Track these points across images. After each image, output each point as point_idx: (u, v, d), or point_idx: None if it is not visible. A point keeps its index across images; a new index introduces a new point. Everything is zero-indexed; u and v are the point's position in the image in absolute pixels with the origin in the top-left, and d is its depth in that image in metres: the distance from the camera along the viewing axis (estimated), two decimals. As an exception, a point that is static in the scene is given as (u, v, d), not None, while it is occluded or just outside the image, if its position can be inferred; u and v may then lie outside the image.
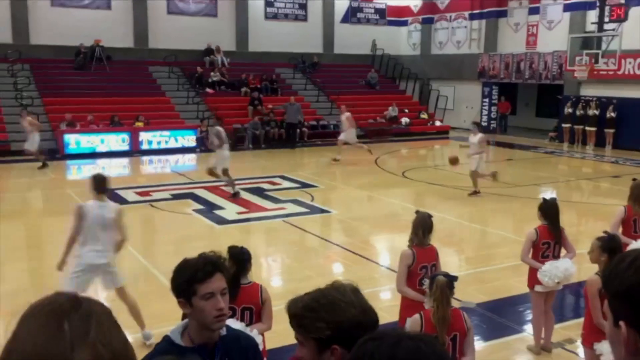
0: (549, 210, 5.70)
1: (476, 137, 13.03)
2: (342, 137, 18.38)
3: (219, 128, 13.21)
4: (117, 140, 19.68)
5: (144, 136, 20.06)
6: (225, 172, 12.77)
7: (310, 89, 26.13)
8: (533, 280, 5.75)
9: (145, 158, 19.39)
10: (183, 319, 2.81)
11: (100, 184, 6.10)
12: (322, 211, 12.26)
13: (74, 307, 1.10)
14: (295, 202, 12.65)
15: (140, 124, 20.39)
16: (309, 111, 24.28)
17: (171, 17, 25.47)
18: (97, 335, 1.07)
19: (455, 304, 4.24)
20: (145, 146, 19.98)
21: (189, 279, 2.40)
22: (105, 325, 1.11)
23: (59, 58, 22.80)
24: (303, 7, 28.40)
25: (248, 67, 25.66)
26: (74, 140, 19.06)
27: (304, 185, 14.32)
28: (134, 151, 19.60)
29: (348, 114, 18.16)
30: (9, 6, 22.28)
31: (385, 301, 7.21)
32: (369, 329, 1.68)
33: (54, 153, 18.60)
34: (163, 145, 20.22)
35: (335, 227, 11.59)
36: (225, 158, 12.77)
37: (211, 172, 13.01)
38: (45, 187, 15.17)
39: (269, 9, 27.66)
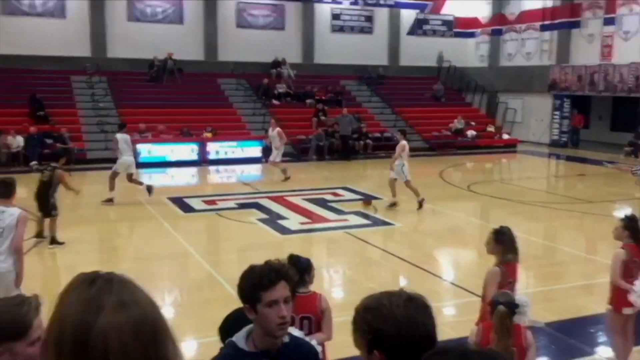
0: (636, 228, 5.30)
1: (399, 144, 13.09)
2: (273, 157, 17.12)
3: (125, 135, 13.84)
4: (186, 150, 20.26)
5: (212, 146, 20.57)
6: (130, 177, 13.57)
7: (375, 101, 26.11)
8: (621, 302, 5.30)
9: (213, 168, 19.87)
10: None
11: (5, 188, 5.87)
12: (385, 223, 12.18)
13: (95, 278, 1.31)
14: (358, 214, 12.63)
15: (208, 135, 20.94)
16: (374, 123, 24.25)
17: (240, 31, 26.09)
18: (120, 296, 1.26)
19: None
20: (213, 156, 20.48)
21: (254, 285, 2.44)
22: (126, 285, 1.30)
23: (134, 70, 23.75)
24: (369, 19, 28.49)
25: (313, 79, 25.93)
26: (147, 150, 19.76)
27: (367, 197, 14.28)
28: (203, 161, 20.11)
29: (279, 129, 17.08)
30: (89, 22, 23.44)
31: (449, 317, 7.07)
32: (417, 343, 1.65)
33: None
34: (230, 156, 20.66)
35: (398, 240, 11.49)
36: (129, 164, 13.63)
37: (130, 179, 13.74)
38: (118, 195, 15.77)
39: (334, 22, 27.89)
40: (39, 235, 9.97)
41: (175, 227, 11.40)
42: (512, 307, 3.65)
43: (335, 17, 27.87)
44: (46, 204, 9.78)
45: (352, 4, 27.79)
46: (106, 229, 11.90)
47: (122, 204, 13.88)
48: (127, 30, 24.12)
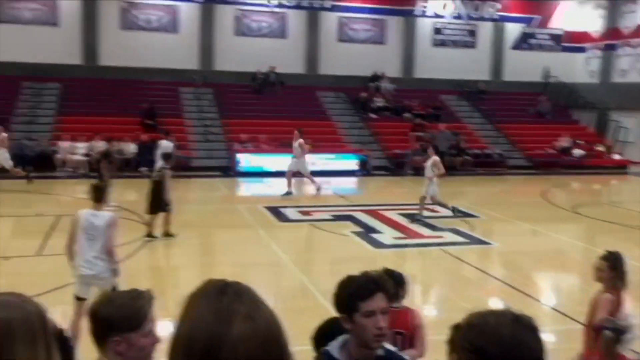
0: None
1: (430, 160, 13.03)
2: (292, 167, 16.39)
3: None
4: (285, 162, 20.66)
5: (309, 158, 20.85)
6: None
7: (475, 117, 25.51)
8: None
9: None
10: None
11: (97, 193, 6.13)
12: (482, 242, 11.82)
13: (225, 287, 1.34)
14: (454, 231, 12.34)
15: (307, 147, 21.24)
16: (473, 139, 23.68)
17: (341, 45, 26.42)
18: (249, 307, 1.29)
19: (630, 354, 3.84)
20: (311, 167, 20.74)
21: (351, 295, 2.45)
22: (254, 300, 1.33)
23: (238, 83, 24.65)
24: (472, 33, 27.94)
25: (412, 94, 25.74)
26: (246, 159, 20.39)
27: (464, 215, 13.93)
28: (300, 172, 20.43)
29: (301, 140, 16.40)
30: (198, 36, 24.64)
31: (549, 344, 6.72)
32: None
33: (228, 170, 20.04)
34: (327, 168, 20.87)
35: (496, 260, 11.11)
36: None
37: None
38: (218, 202, 16.40)
39: (436, 36, 27.59)
40: (150, 235, 10.63)
41: (271, 235, 11.66)
42: (620, 333, 3.42)
43: (437, 31, 27.57)
44: (159, 202, 10.62)
45: (455, 18, 27.40)
46: (206, 233, 12.37)
47: (221, 211, 14.41)
48: (233, 44, 25.11)
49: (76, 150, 19.11)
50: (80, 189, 16.42)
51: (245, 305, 1.30)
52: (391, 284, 2.65)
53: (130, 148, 19.63)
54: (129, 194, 16.06)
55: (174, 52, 24.30)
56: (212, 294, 1.33)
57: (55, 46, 22.98)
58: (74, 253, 6.02)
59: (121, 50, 23.67)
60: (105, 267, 5.96)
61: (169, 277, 9.04)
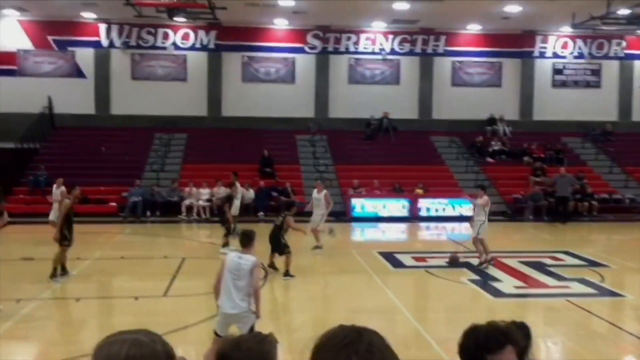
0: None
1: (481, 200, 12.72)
2: (315, 224, 14.85)
3: None
4: (397, 207, 20.60)
5: (423, 203, 20.64)
6: None
7: (601, 160, 24.05)
8: None
9: (424, 224, 19.86)
10: None
11: (245, 239, 6.61)
12: (614, 294, 10.95)
13: (357, 338, 1.30)
14: (581, 281, 11.55)
15: (420, 192, 21.07)
16: (600, 183, 22.29)
17: (455, 89, 26.18)
18: (381, 357, 1.25)
19: None
20: (424, 213, 20.51)
21: (478, 346, 2.31)
22: (385, 354, 1.30)
23: (351, 129, 25.08)
24: (596, 73, 26.62)
25: (531, 136, 24.83)
26: (360, 205, 20.51)
27: (592, 264, 13.03)
28: (414, 217, 20.23)
29: (326, 192, 15.43)
30: (314, 85, 25.48)
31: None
32: None
33: (342, 215, 20.23)
34: (441, 213, 20.49)
35: (630, 314, 10.20)
36: None
37: None
38: (332, 246, 16.52)
39: (557, 77, 26.57)
40: (271, 265, 11.85)
41: (384, 281, 11.54)
42: None
43: (558, 71, 26.56)
44: (278, 244, 11.74)
45: (576, 57, 26.31)
46: (320, 278, 12.46)
47: (334, 256, 14.50)
48: (347, 92, 25.69)
49: (200, 196, 20.20)
50: (203, 233, 17.33)
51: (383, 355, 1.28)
52: (521, 336, 2.48)
53: (250, 194, 20.44)
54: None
55: (291, 101, 25.27)
56: (345, 349, 1.29)
57: (184, 99, 24.75)
58: (219, 292, 6.45)
59: (242, 101, 25.02)
60: (246, 308, 6.34)
61: (284, 320, 9.17)
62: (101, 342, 1.65)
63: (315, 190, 15.51)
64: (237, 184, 17.28)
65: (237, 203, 16.40)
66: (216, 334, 6.43)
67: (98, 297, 10.97)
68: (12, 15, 23.69)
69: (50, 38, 24.21)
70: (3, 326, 8.51)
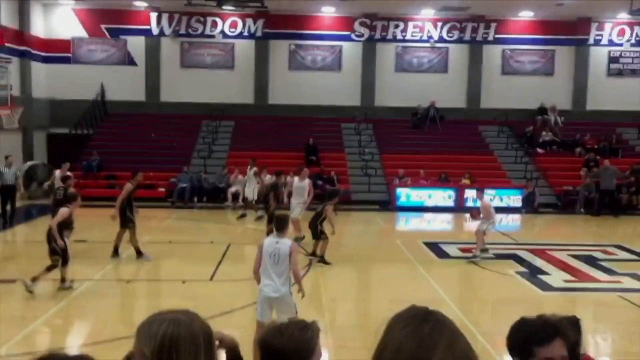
0: None
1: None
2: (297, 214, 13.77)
3: None
4: (443, 196, 20.35)
5: (469, 193, 20.30)
6: None
7: (659, 151, 23.18)
8: None
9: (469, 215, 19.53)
10: None
11: (280, 223, 6.68)
12: (669, 290, 10.56)
13: (427, 315, 1.39)
14: (634, 276, 11.18)
15: (466, 182, 20.76)
16: (657, 176, 21.46)
17: (505, 77, 25.60)
18: (449, 337, 1.33)
19: None
20: (470, 203, 20.16)
21: (527, 339, 2.26)
22: (453, 330, 1.37)
23: (397, 118, 24.86)
24: (655, 60, 25.58)
25: (584, 127, 24.09)
26: (405, 194, 20.35)
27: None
28: (459, 208, 19.96)
29: (310, 181, 14.66)
30: (361, 73, 25.33)
31: None
32: None
33: (387, 205, 20.13)
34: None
35: (686, 312, 9.83)
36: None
37: None
38: (376, 235, 16.49)
39: (612, 65, 25.65)
40: (312, 254, 11.96)
41: (429, 272, 11.44)
42: None
43: (613, 60, 25.63)
44: (315, 230, 11.81)
45: (633, 45, 25.34)
46: (364, 267, 12.45)
47: (379, 245, 14.45)
48: (394, 80, 25.45)
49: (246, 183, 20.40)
50: (249, 220, 17.53)
51: (445, 335, 1.34)
52: (572, 330, 2.41)
53: (295, 182, 20.51)
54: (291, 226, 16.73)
55: (337, 89, 25.19)
56: (415, 322, 1.38)
57: (231, 87, 25.00)
58: (259, 277, 6.57)
59: (288, 89, 25.09)
60: (287, 292, 6.46)
61: (326, 308, 9.20)
62: (143, 321, 1.73)
63: (296, 178, 14.75)
64: (251, 170, 17.63)
65: (253, 188, 16.89)
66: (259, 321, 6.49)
67: (147, 279, 11.25)
68: (68, 4, 24.36)
69: (103, 26, 24.79)
70: (57, 305, 8.83)
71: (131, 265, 11.56)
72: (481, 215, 12.69)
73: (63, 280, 9.43)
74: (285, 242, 6.50)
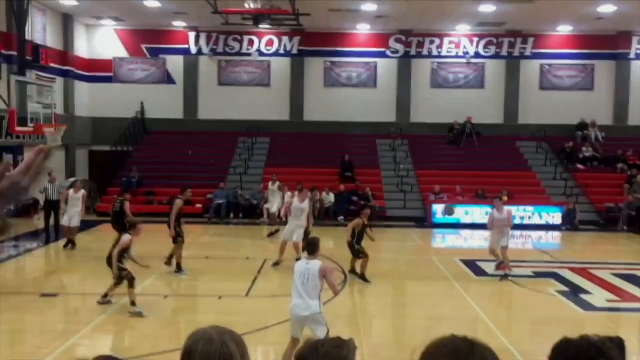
0: None
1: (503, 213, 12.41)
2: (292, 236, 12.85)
3: None
4: (480, 213, 20.05)
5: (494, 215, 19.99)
6: None
7: None
8: None
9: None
10: None
11: (310, 247, 7.05)
12: None
13: (470, 351, 1.25)
14: (681, 297, 10.81)
15: (504, 198, 20.42)
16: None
17: (542, 93, 25.25)
18: None
19: None
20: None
21: None
22: None
23: (433, 134, 24.72)
24: (700, 74, 24.89)
25: (626, 142, 23.54)
26: (441, 210, 20.14)
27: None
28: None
29: (309, 201, 13.47)
30: (396, 89, 25.34)
31: None
32: None
33: (423, 221, 19.96)
34: (526, 221, 19.80)
35: None
36: None
37: None
38: (412, 252, 16.35)
39: (655, 79, 25.06)
40: (351, 271, 11.86)
41: (466, 289, 11.27)
42: None
43: (656, 73, 25.05)
44: (352, 248, 11.72)
45: (677, 58, 24.74)
46: (400, 284, 12.35)
47: (415, 261, 14.33)
48: (429, 96, 25.37)
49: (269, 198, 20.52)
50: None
51: None
52: (616, 352, 2.33)
53: (330, 198, 20.56)
54: (327, 241, 16.75)
55: (372, 105, 25.23)
56: (454, 357, 1.27)
57: (267, 104, 25.28)
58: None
59: (323, 105, 25.25)
60: (317, 309, 6.56)
61: (362, 325, 9.14)
62: (187, 338, 1.81)
63: (296, 198, 13.16)
64: (275, 185, 17.73)
65: (277, 203, 16.95)
66: (293, 339, 6.65)
67: (184, 294, 11.38)
68: (109, 25, 25.08)
69: (143, 46, 25.42)
70: (97, 319, 9.00)
71: (168, 281, 11.71)
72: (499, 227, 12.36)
73: (105, 295, 9.57)
74: (316, 263, 6.74)
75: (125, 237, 9.47)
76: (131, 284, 9.25)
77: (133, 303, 9.19)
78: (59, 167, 22.97)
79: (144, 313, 9.08)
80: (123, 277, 9.26)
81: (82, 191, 15.27)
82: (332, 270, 7.03)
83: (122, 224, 12.34)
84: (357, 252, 11.68)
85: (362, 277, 11.55)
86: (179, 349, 1.82)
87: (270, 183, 18.65)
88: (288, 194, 16.17)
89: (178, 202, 12.01)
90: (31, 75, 19.33)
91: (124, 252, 9.44)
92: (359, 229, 11.69)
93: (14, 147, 19.95)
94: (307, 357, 2.07)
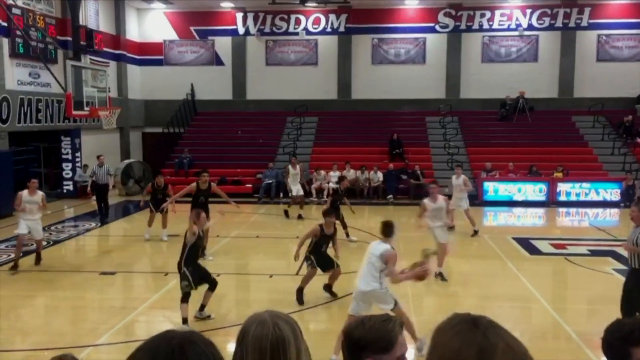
0: None
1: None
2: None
3: None
4: (534, 190, 19.62)
5: (562, 187, 19.49)
6: None
7: None
8: None
9: (562, 210, 18.76)
10: None
11: (385, 229, 6.90)
12: None
13: (476, 320, 1.31)
14: None
15: (559, 175, 19.90)
16: None
17: (600, 65, 24.30)
18: (506, 339, 1.26)
19: None
20: (562, 197, 19.37)
21: (623, 340, 2.19)
22: (507, 332, 1.29)
23: (485, 110, 24.20)
24: None
25: (690, 115, 22.48)
26: (493, 188, 19.78)
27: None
28: (551, 202, 19.18)
29: (465, 177, 14.71)
30: (446, 66, 24.85)
31: None
32: None
33: (474, 199, 19.65)
34: (582, 198, 19.24)
35: None
36: None
37: None
38: (463, 231, 16.13)
39: None
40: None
41: (520, 268, 11.07)
42: None
43: None
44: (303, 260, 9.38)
45: None
46: (451, 263, 12.22)
47: (466, 240, 14.14)
48: (480, 71, 24.79)
49: (329, 178, 20.56)
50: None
51: (502, 338, 1.26)
52: None
53: (378, 176, 20.46)
54: (375, 221, 16.70)
55: (421, 82, 24.85)
56: (465, 327, 1.30)
57: (315, 83, 25.25)
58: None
59: (371, 83, 25.03)
60: (379, 287, 6.69)
61: (413, 303, 9.11)
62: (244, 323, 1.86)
63: (454, 177, 14.73)
64: (290, 166, 17.37)
65: (297, 183, 16.67)
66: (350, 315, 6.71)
67: (236, 273, 11.59)
68: (159, 8, 25.45)
69: (192, 28, 25.72)
70: (154, 296, 9.28)
71: (220, 260, 11.95)
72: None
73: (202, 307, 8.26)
74: (382, 246, 6.75)
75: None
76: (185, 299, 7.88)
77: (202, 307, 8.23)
78: (114, 150, 23.66)
79: (212, 316, 8.28)
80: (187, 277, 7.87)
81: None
82: (394, 257, 6.70)
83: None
84: (307, 264, 9.14)
85: (328, 288, 9.27)
86: (232, 325, 1.87)
87: (290, 167, 17.78)
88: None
89: (191, 186, 11.99)
90: (86, 60, 19.86)
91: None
92: (316, 239, 9.10)
93: (72, 131, 20.64)
94: (353, 331, 2.10)
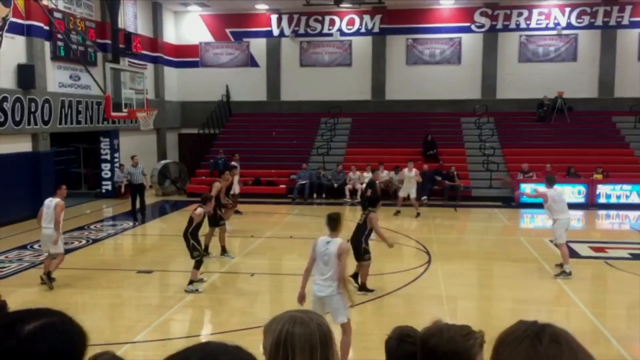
0: None
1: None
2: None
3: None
4: (572, 192, 19.21)
5: (602, 189, 19.05)
6: None
7: None
8: None
9: (602, 212, 18.33)
10: None
11: (332, 223, 6.45)
12: None
13: (540, 332, 1.26)
14: None
15: (598, 176, 19.45)
16: None
17: (642, 64, 23.69)
18: (568, 356, 1.20)
19: None
20: (602, 199, 18.92)
21: None
22: (572, 347, 1.23)
23: (521, 111, 23.81)
24: None
25: None
26: (530, 190, 19.41)
27: None
28: (590, 204, 18.76)
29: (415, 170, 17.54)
30: (481, 66, 24.55)
31: None
32: None
33: (510, 200, 19.35)
34: (623, 200, 18.77)
35: None
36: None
37: None
38: (499, 233, 15.91)
39: None
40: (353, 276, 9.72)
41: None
42: None
43: None
44: (357, 248, 9.58)
45: None
46: (486, 265, 12.07)
47: (502, 242, 13.94)
48: (517, 71, 24.41)
49: (363, 179, 20.49)
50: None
51: (565, 353, 1.21)
52: None
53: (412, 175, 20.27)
54: (409, 221, 16.61)
55: (457, 83, 24.60)
56: (527, 341, 1.25)
57: (349, 84, 25.23)
58: (307, 276, 6.56)
59: (406, 84, 24.89)
60: (333, 292, 6.27)
61: (448, 306, 9.03)
62: (270, 320, 1.84)
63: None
64: (410, 172, 17.42)
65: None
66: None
67: (270, 273, 11.66)
68: (195, 11, 25.81)
69: (227, 30, 25.99)
70: (189, 295, 9.41)
71: (255, 260, 12.04)
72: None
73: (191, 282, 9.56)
74: (336, 242, 6.35)
75: (199, 211, 9.62)
76: (198, 265, 9.59)
77: (191, 282, 9.50)
78: (151, 151, 24.07)
79: (200, 290, 9.59)
80: (198, 249, 9.59)
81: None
82: (348, 251, 6.52)
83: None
84: (363, 253, 9.38)
85: (362, 287, 9.47)
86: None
87: (406, 170, 18.08)
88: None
89: (217, 185, 12.07)
90: (124, 62, 20.26)
91: (196, 226, 9.64)
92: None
93: (110, 132, 21.08)
94: (430, 338, 2.02)
